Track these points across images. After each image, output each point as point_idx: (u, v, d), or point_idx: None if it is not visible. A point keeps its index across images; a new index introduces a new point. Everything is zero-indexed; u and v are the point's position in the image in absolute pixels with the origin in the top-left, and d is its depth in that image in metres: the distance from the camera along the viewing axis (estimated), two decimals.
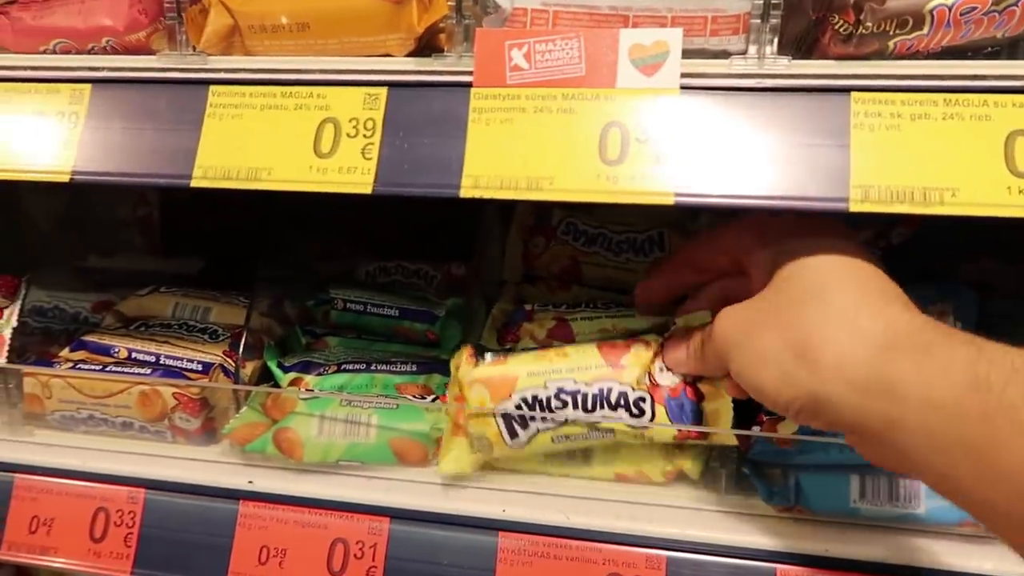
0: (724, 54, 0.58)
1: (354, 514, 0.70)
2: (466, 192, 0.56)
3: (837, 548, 0.64)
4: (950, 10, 0.52)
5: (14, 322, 0.82)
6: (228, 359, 0.80)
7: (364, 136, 0.58)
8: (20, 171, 0.62)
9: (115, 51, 0.67)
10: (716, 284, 0.65)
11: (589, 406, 0.66)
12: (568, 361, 0.68)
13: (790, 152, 0.53)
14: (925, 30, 0.53)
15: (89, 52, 0.68)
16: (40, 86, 0.64)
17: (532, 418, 0.67)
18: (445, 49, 0.62)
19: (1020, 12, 0.52)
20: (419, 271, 0.97)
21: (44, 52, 0.68)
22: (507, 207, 0.93)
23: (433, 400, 0.76)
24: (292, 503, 0.71)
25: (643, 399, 0.65)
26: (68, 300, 0.99)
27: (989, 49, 0.55)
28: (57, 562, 0.72)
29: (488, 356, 0.71)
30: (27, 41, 0.68)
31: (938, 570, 0.62)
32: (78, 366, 0.76)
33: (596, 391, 0.66)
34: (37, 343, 0.91)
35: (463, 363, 0.70)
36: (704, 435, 0.66)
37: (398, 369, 0.79)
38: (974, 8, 0.51)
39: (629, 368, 0.66)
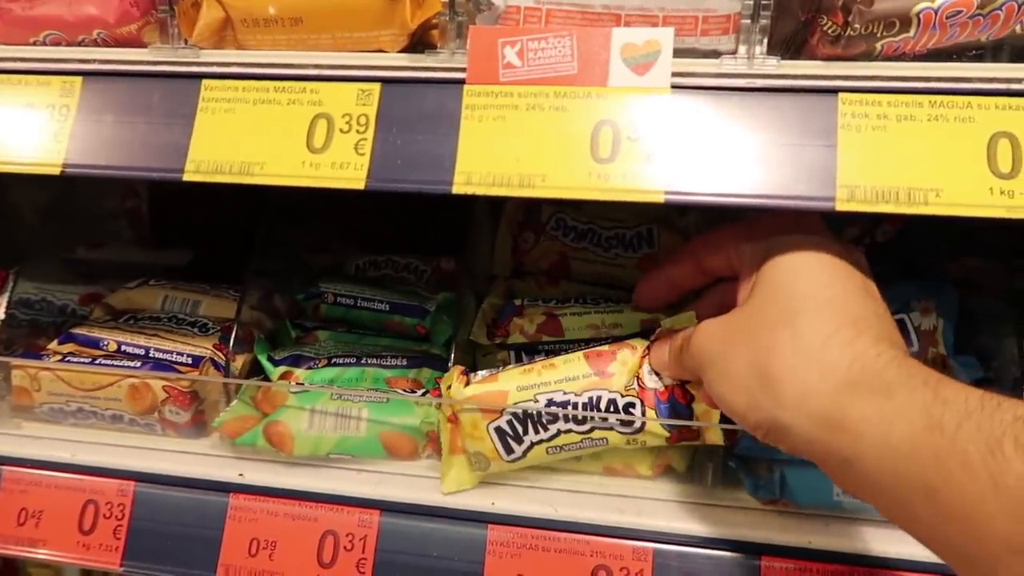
0: (715, 53, 0.59)
1: (344, 507, 0.71)
2: (458, 188, 0.56)
3: (820, 540, 0.65)
4: (936, 13, 0.53)
5: (1, 315, 0.81)
6: (218, 352, 0.80)
7: (357, 131, 0.58)
8: (11, 163, 0.62)
9: (106, 43, 0.67)
10: (715, 289, 0.66)
11: (580, 416, 0.67)
12: (556, 372, 0.68)
13: (778, 151, 0.54)
14: (911, 32, 0.54)
15: (79, 44, 0.67)
16: (31, 78, 0.64)
17: (526, 432, 0.68)
18: (438, 46, 0.62)
19: (1004, 16, 0.53)
20: (409, 265, 0.97)
21: (34, 44, 0.68)
22: (498, 203, 0.93)
23: (423, 394, 0.77)
24: (282, 496, 0.72)
25: (633, 404, 0.66)
26: (56, 292, 0.98)
27: (974, 52, 0.56)
28: (45, 554, 0.72)
29: (479, 374, 0.72)
30: (17, 32, 0.68)
31: (915, 560, 0.63)
32: (67, 359, 0.76)
33: (586, 400, 0.67)
34: (24, 335, 0.91)
35: (454, 382, 0.71)
36: (696, 435, 0.66)
37: (388, 363, 0.80)
38: (959, 11, 0.52)
39: (617, 375, 0.67)
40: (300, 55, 0.62)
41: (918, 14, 0.53)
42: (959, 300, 0.78)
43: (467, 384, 0.70)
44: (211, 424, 0.77)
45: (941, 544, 0.43)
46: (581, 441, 0.68)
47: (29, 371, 0.75)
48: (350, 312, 0.89)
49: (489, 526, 0.69)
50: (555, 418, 0.67)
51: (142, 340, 0.80)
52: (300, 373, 0.78)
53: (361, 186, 0.57)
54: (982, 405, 0.41)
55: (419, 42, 0.64)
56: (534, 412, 0.67)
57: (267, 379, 0.79)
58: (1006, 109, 0.51)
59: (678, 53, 0.56)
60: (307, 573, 0.70)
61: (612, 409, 0.66)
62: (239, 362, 0.82)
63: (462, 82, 0.58)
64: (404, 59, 0.62)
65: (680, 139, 0.55)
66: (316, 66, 0.61)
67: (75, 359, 0.76)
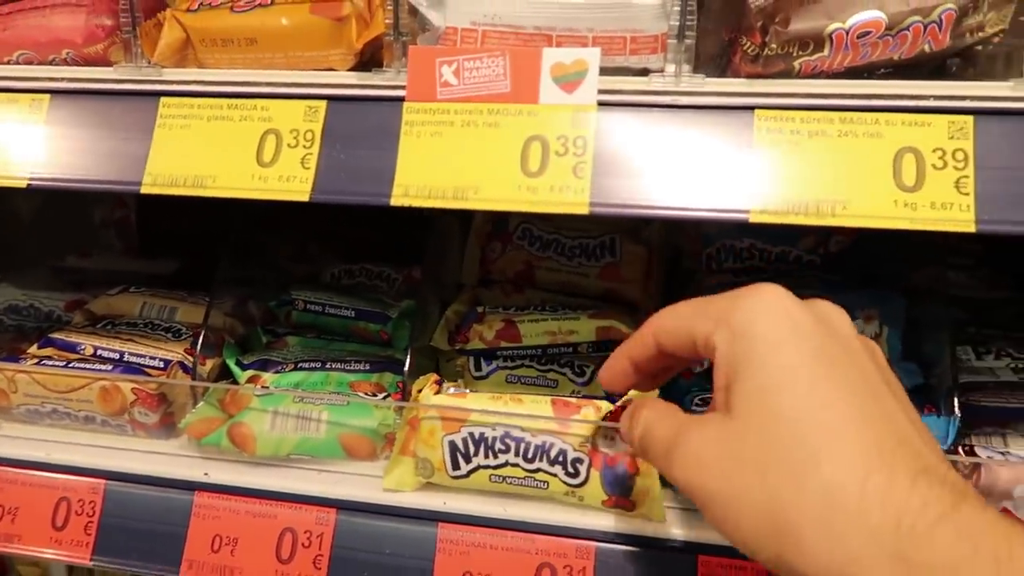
0: (645, 72, 0.61)
1: (303, 505, 0.74)
2: (396, 200, 0.59)
3: None
4: (847, 33, 0.55)
5: None
6: (188, 356, 0.83)
7: (304, 147, 0.62)
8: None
9: (75, 62, 0.71)
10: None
11: (530, 455, 0.69)
12: (521, 407, 0.70)
13: (698, 165, 0.56)
14: (826, 52, 0.56)
15: (50, 63, 0.71)
16: (1, 96, 0.68)
17: (476, 453, 0.70)
18: (384, 65, 0.66)
19: (911, 36, 0.55)
20: (382, 273, 1.00)
21: (8, 63, 0.72)
22: (468, 213, 0.96)
23: (384, 397, 0.80)
24: (244, 494, 0.75)
25: (580, 460, 0.68)
26: (43, 299, 1.03)
27: (888, 70, 0.59)
28: (19, 549, 0.76)
29: (451, 388, 0.75)
30: None
31: None
32: (43, 362, 0.80)
33: (539, 443, 0.69)
34: (9, 340, 0.95)
35: (425, 388, 0.74)
36: (632, 507, 0.68)
37: (352, 368, 0.83)
38: (869, 32, 0.55)
39: (575, 428, 0.69)
40: (253, 73, 0.66)
41: (830, 35, 0.55)
42: (906, 309, 0.80)
43: (437, 393, 0.73)
44: (179, 425, 0.80)
45: None
46: (524, 478, 0.70)
47: (7, 373, 0.78)
48: (319, 318, 0.92)
49: (439, 524, 0.71)
50: (507, 449, 0.69)
51: (117, 344, 0.83)
52: (267, 377, 0.81)
53: (306, 198, 0.60)
54: None
55: (370, 61, 0.67)
56: (490, 437, 0.70)
57: (235, 383, 0.82)
58: (912, 125, 0.54)
59: (608, 71, 0.59)
60: (266, 569, 0.73)
61: (561, 460, 0.68)
62: (209, 366, 0.85)
63: (403, 99, 0.61)
64: (352, 77, 0.65)
65: (605, 153, 0.57)
66: (268, 83, 0.64)
67: (51, 362, 0.79)
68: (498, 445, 0.70)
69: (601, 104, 0.58)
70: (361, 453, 0.77)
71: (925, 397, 0.73)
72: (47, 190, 0.64)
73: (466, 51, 0.60)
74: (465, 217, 0.99)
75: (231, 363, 0.83)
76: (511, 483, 0.71)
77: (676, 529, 0.68)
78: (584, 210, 0.56)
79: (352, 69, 0.67)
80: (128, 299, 0.95)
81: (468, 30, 0.62)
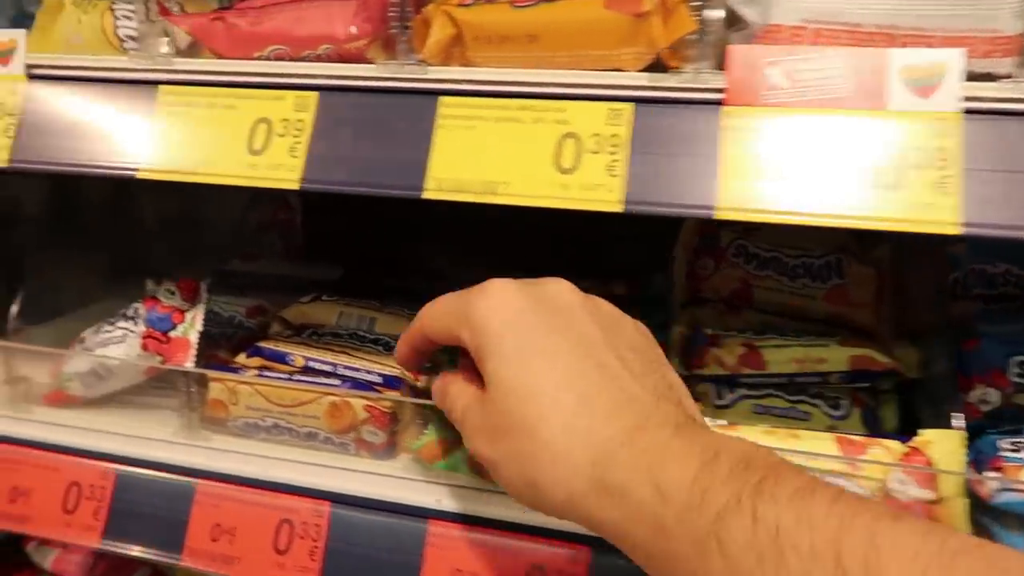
0: (990, 77, 0.55)
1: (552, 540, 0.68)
2: (720, 214, 0.54)
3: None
4: None
5: (199, 327, 0.82)
6: (406, 372, 0.78)
7: (609, 152, 0.56)
8: (248, 178, 0.61)
9: (330, 59, 0.66)
10: None
11: None
12: (799, 443, 0.64)
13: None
14: None
15: (303, 59, 0.67)
16: (264, 92, 0.64)
17: None
18: (670, 66, 0.60)
19: None
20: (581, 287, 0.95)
21: (259, 59, 0.68)
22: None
23: None
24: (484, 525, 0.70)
25: None
26: (222, 304, 0.99)
27: None
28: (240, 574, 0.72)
29: (715, 421, 0.70)
30: (242, 48, 0.68)
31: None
32: (263, 373, 0.76)
33: None
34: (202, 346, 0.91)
35: None
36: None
37: None
38: None
39: (867, 470, 0.62)
40: (540, 73, 0.60)
41: None
42: None
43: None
44: (411, 447, 0.75)
45: None
46: None
47: (228, 384, 0.75)
48: None
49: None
50: None
51: (329, 356, 0.79)
52: None
53: (620, 208, 0.55)
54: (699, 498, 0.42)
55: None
56: None
57: None
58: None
59: None
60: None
61: None
62: (422, 381, 0.80)
63: (716, 103, 0.56)
64: (644, 78, 0.59)
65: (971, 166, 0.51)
66: (559, 84, 0.59)
67: (271, 374, 0.75)
68: None
69: (968, 112, 0.52)
70: None
71: None
72: (319, 193, 0.60)
73: (797, 50, 0.54)
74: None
75: None
76: None
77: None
78: (956, 230, 0.50)
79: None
80: (323, 307, 0.91)
81: (796, 28, 0.56)
